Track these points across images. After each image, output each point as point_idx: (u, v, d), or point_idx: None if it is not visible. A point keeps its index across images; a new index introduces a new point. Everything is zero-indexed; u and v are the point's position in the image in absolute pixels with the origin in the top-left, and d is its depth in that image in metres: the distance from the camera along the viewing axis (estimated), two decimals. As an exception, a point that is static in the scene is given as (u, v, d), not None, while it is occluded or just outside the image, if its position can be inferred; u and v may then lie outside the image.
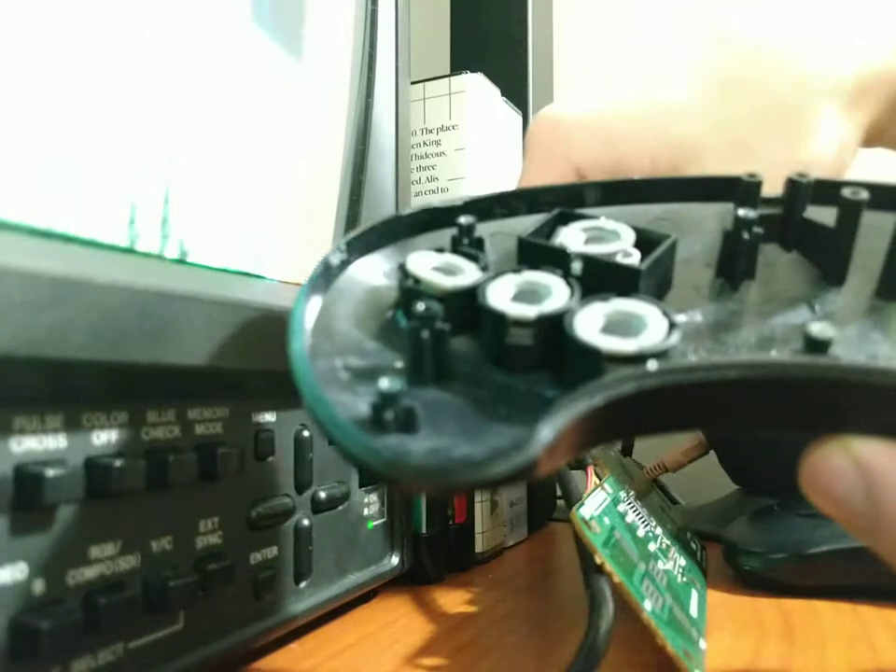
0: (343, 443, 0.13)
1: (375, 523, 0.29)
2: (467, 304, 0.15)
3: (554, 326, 0.14)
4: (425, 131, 0.38)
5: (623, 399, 0.13)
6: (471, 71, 0.38)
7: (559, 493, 0.47)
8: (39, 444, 0.16)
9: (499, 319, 0.14)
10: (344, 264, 0.17)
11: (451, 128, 0.37)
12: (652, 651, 0.24)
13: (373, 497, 0.29)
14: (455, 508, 0.35)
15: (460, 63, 0.46)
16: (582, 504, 0.22)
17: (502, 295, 0.15)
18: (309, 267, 0.16)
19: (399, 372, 0.14)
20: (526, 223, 0.18)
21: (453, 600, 0.30)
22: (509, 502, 0.40)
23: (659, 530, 0.27)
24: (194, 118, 0.21)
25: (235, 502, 0.21)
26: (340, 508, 0.26)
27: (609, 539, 0.22)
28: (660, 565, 0.24)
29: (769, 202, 0.17)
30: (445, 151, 0.37)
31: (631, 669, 0.23)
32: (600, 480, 0.26)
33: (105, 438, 0.17)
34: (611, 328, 0.14)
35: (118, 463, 0.17)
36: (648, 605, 0.21)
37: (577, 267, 0.15)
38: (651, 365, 0.13)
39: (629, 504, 0.26)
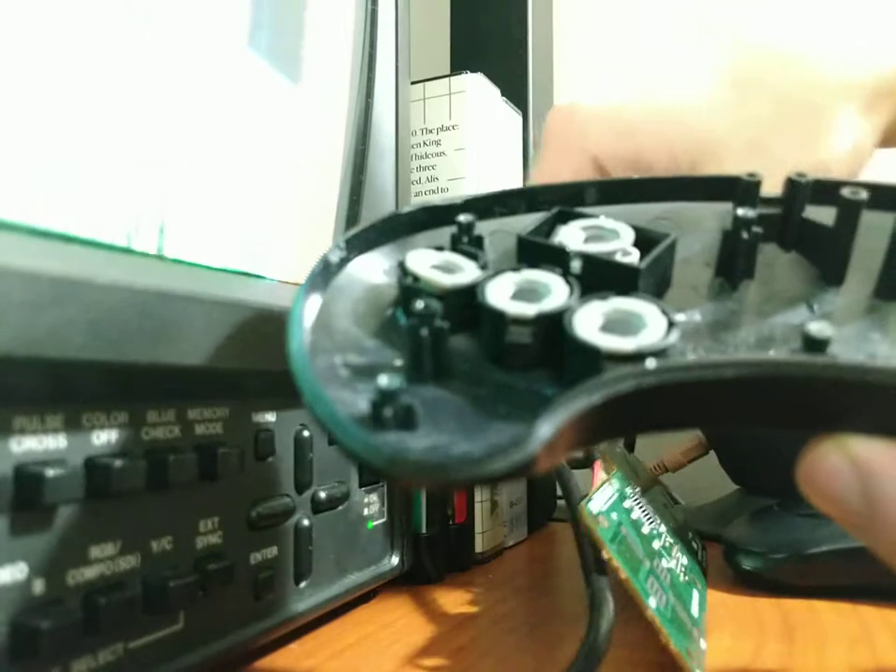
0: (342, 441, 0.13)
1: (375, 523, 0.29)
2: (466, 302, 0.15)
3: (554, 324, 0.14)
4: (425, 131, 0.38)
5: (621, 397, 0.13)
6: (471, 71, 0.38)
7: (559, 493, 0.47)
8: (39, 444, 0.16)
9: (498, 317, 0.14)
10: (344, 262, 0.17)
11: (451, 128, 0.37)
12: (653, 651, 0.24)
13: (373, 497, 0.29)
14: (455, 508, 0.35)
15: (460, 62, 0.46)
16: (591, 499, 0.22)
17: (501, 293, 0.15)
18: (309, 267, 0.16)
19: (399, 370, 0.14)
20: (526, 222, 0.18)
21: (453, 600, 0.30)
22: (509, 502, 0.40)
23: (663, 528, 0.27)
24: (196, 120, 0.21)
25: (235, 502, 0.21)
26: (340, 508, 0.26)
27: (617, 534, 0.22)
28: (663, 563, 0.24)
29: (768, 201, 0.17)
30: (445, 151, 0.37)
31: (632, 669, 0.23)
32: (607, 475, 0.26)
33: (105, 438, 0.17)
34: (610, 326, 0.14)
35: (118, 463, 0.17)
36: (653, 602, 0.21)
37: (576, 266, 0.15)
38: (650, 363, 0.13)
39: (635, 500, 0.26)
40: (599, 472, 0.26)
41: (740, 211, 0.16)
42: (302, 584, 0.24)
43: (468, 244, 0.17)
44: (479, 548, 0.36)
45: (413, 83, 0.35)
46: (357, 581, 0.27)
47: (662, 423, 0.15)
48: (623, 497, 0.25)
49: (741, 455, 0.44)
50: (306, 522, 0.24)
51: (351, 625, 0.27)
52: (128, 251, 0.19)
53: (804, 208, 0.17)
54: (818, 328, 0.13)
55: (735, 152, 0.22)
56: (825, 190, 0.17)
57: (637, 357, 0.13)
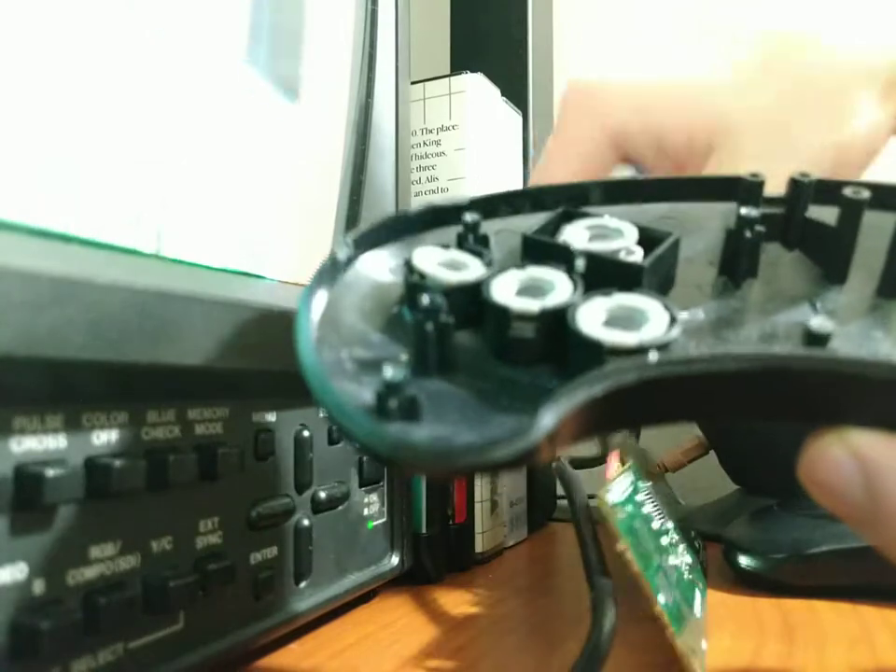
0: (348, 429, 0.13)
1: (375, 523, 0.29)
2: (471, 299, 0.15)
3: (557, 320, 0.14)
4: (425, 131, 0.38)
5: (623, 389, 0.13)
6: (471, 71, 0.38)
7: (559, 493, 0.47)
8: (39, 444, 0.16)
9: (503, 313, 0.15)
10: (351, 260, 0.17)
11: (451, 128, 0.37)
12: (656, 652, 0.24)
13: (373, 497, 0.29)
14: (455, 508, 0.35)
15: (460, 63, 0.46)
16: (609, 489, 0.22)
17: (506, 290, 0.15)
18: (309, 267, 0.16)
19: (404, 364, 0.14)
20: (531, 221, 0.18)
21: (453, 600, 0.30)
22: (509, 502, 0.40)
23: (670, 524, 0.27)
24: (196, 120, 0.21)
25: (235, 502, 0.21)
26: (340, 508, 0.26)
27: (631, 527, 0.22)
28: (670, 560, 0.24)
29: (771, 201, 0.18)
30: (445, 151, 0.37)
31: (634, 669, 0.23)
32: (622, 466, 0.26)
33: (105, 438, 0.17)
34: (613, 321, 0.14)
35: (118, 463, 0.17)
36: (662, 598, 0.21)
37: (580, 264, 0.16)
38: (652, 356, 0.13)
39: (647, 494, 0.26)
40: (615, 462, 0.26)
41: (743, 210, 0.16)
42: (302, 584, 0.24)
43: (473, 242, 0.17)
44: (479, 548, 0.36)
45: (413, 83, 0.35)
46: (357, 581, 0.27)
47: (664, 416, 0.15)
48: (636, 490, 0.25)
49: (741, 455, 0.44)
50: (306, 522, 0.24)
51: (351, 625, 0.27)
52: (128, 251, 0.19)
53: (806, 208, 0.17)
54: (818, 322, 0.14)
55: (753, 132, 0.22)
56: (828, 190, 0.17)
57: (640, 351, 0.13)
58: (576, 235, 0.17)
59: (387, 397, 0.13)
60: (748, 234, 0.16)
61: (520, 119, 0.44)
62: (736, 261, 0.17)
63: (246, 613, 0.22)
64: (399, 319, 0.16)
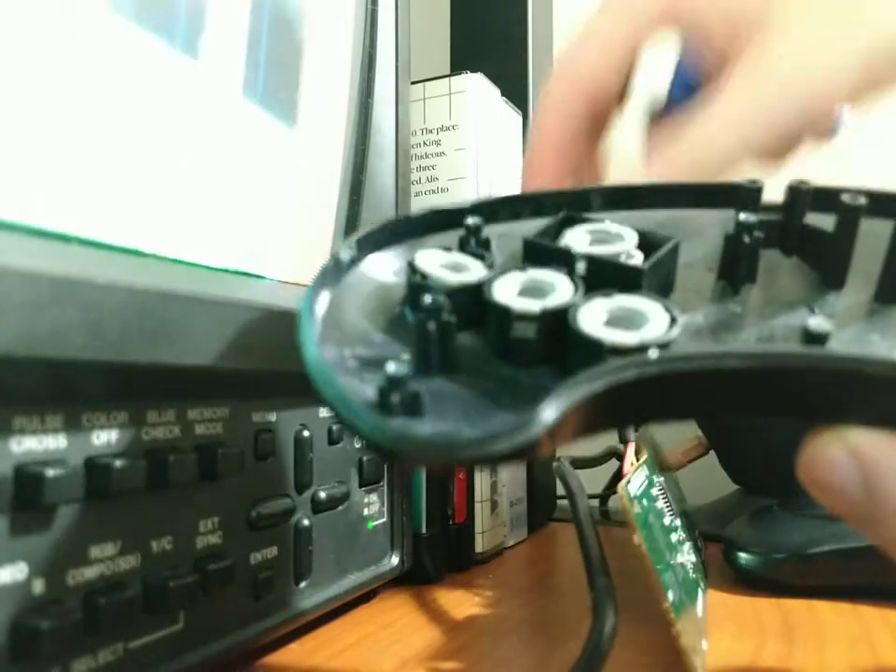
0: (351, 421, 0.13)
1: (375, 523, 0.29)
2: (472, 300, 0.15)
3: (558, 320, 0.14)
4: (425, 131, 0.38)
5: (623, 386, 0.13)
6: (471, 71, 0.38)
7: (559, 493, 0.47)
8: (39, 444, 0.16)
9: (504, 313, 0.15)
10: (354, 261, 0.17)
11: (451, 128, 0.37)
12: (656, 652, 0.24)
13: (373, 497, 0.29)
14: (455, 508, 0.35)
15: (460, 62, 0.46)
16: (629, 480, 0.22)
17: (507, 290, 0.15)
18: (309, 267, 0.16)
19: (407, 361, 0.14)
20: (532, 226, 0.18)
21: (453, 600, 0.30)
22: (509, 502, 0.40)
23: (678, 521, 0.27)
24: (197, 120, 0.21)
25: (235, 502, 0.21)
26: (340, 508, 0.26)
27: (646, 521, 0.22)
28: (678, 557, 0.24)
29: (770, 208, 0.18)
30: (445, 151, 0.37)
31: (634, 669, 0.23)
32: (637, 459, 0.26)
33: (105, 438, 0.17)
34: (614, 322, 0.14)
35: (118, 463, 0.17)
36: (671, 595, 0.21)
37: (581, 267, 0.16)
38: (653, 353, 0.13)
39: (660, 490, 0.26)
40: (631, 455, 0.26)
41: (742, 215, 0.17)
42: (302, 584, 0.24)
43: (475, 245, 0.17)
44: (479, 548, 0.36)
45: (413, 83, 0.35)
46: (357, 581, 0.27)
47: (664, 413, 0.15)
48: (651, 485, 0.25)
49: (741, 455, 0.44)
50: (306, 522, 0.24)
51: (351, 625, 0.27)
52: (128, 251, 0.19)
53: (804, 214, 0.17)
54: (817, 322, 0.14)
55: (788, 29, 0.21)
56: (825, 197, 0.17)
57: (640, 350, 0.14)
58: (577, 239, 0.17)
59: (390, 392, 0.13)
60: (746, 239, 0.16)
61: (520, 119, 0.44)
62: (735, 267, 0.17)
63: (246, 613, 0.22)
64: (402, 320, 0.16)
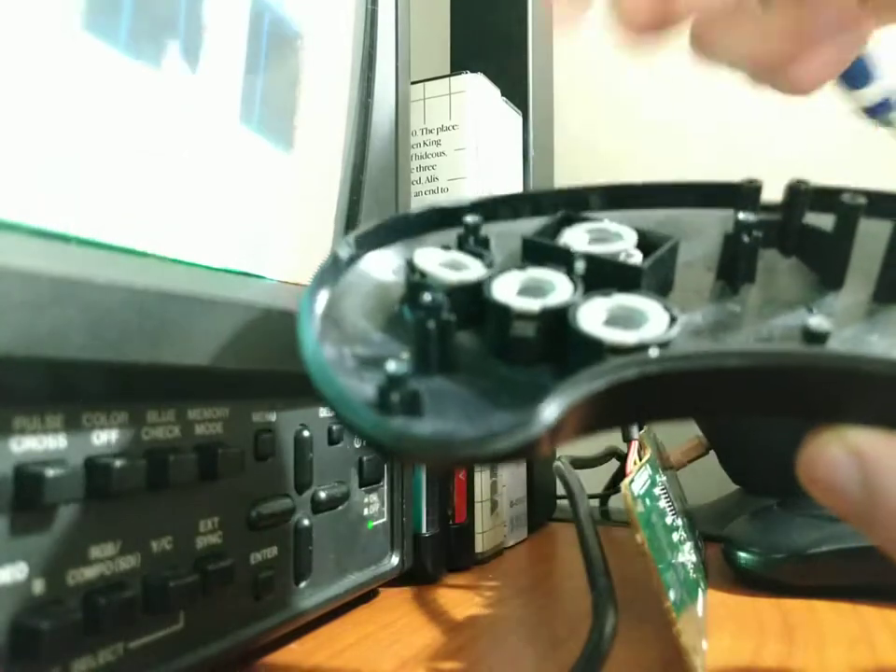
0: (351, 420, 0.13)
1: (375, 523, 0.29)
2: (471, 299, 0.15)
3: (558, 319, 0.14)
4: (425, 131, 0.38)
5: (624, 385, 0.13)
6: (471, 71, 0.38)
7: (559, 493, 0.47)
8: (39, 444, 0.16)
9: (504, 312, 0.15)
10: (353, 259, 0.17)
11: (451, 128, 0.37)
12: (656, 651, 0.24)
13: (373, 497, 0.29)
14: (455, 508, 0.35)
15: (460, 62, 0.46)
16: (633, 479, 0.22)
17: (507, 289, 0.15)
18: (309, 267, 0.16)
19: (406, 360, 0.14)
20: (531, 225, 0.18)
21: (453, 600, 0.30)
22: (509, 502, 0.40)
23: (680, 521, 0.27)
24: (197, 120, 0.21)
25: (235, 502, 0.21)
26: (340, 508, 0.26)
27: (648, 520, 0.22)
28: (679, 557, 0.24)
29: (769, 208, 0.18)
30: (445, 151, 0.37)
31: (634, 669, 0.23)
32: (640, 459, 0.26)
33: (105, 438, 0.17)
34: (613, 321, 0.14)
35: (118, 463, 0.17)
36: (672, 595, 0.21)
37: (580, 266, 0.16)
38: (653, 352, 0.13)
39: (662, 489, 0.26)
40: (634, 453, 0.26)
41: (741, 215, 0.17)
42: (302, 584, 0.24)
43: (474, 244, 0.17)
44: (479, 548, 0.36)
45: (413, 83, 0.35)
46: (357, 581, 0.27)
47: (664, 412, 0.15)
48: (653, 484, 0.25)
49: (741, 454, 0.44)
50: (306, 522, 0.24)
51: (351, 625, 0.27)
52: (128, 251, 0.19)
53: (803, 214, 0.17)
54: (817, 321, 0.14)
55: None
56: (824, 197, 0.17)
57: (640, 349, 0.14)
58: (576, 238, 0.17)
59: (389, 391, 0.13)
60: (745, 239, 0.16)
61: (520, 119, 0.44)
62: (734, 266, 0.17)
63: (246, 613, 0.22)
64: (400, 319, 0.16)
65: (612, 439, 0.48)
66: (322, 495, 0.25)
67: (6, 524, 0.15)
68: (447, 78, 0.38)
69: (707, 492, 0.46)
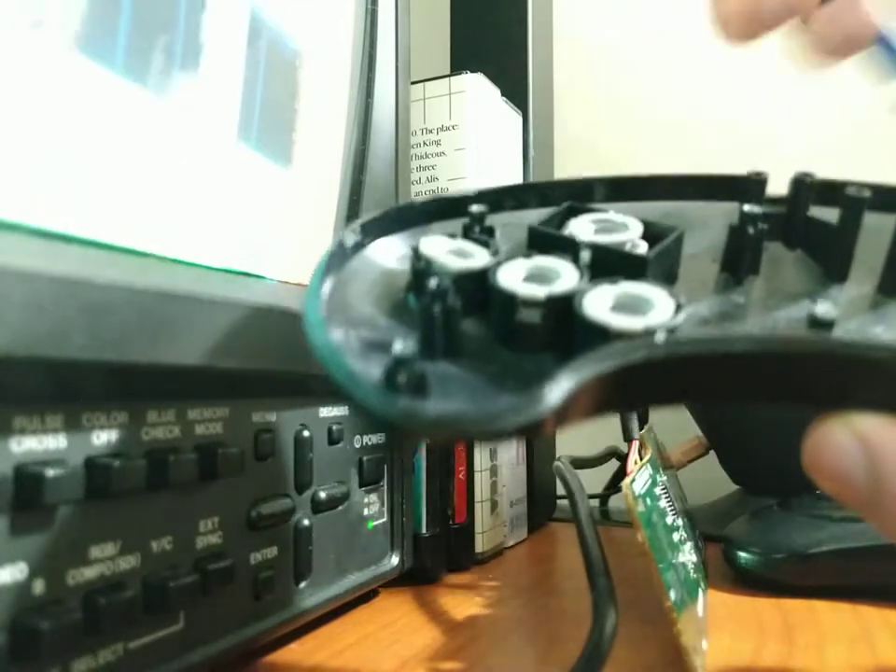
0: (358, 397, 0.13)
1: (375, 523, 0.29)
2: (477, 286, 0.15)
3: (564, 306, 0.14)
4: (425, 131, 0.38)
5: (631, 368, 0.13)
6: (471, 71, 0.38)
7: (559, 493, 0.47)
8: (39, 444, 0.16)
9: (509, 299, 0.15)
10: (358, 246, 0.17)
11: (451, 128, 0.37)
12: (656, 651, 0.24)
13: (373, 497, 0.29)
14: (455, 508, 0.35)
15: (460, 62, 0.46)
16: (634, 479, 0.22)
17: (513, 277, 0.15)
18: (309, 267, 0.16)
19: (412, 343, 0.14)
20: (536, 215, 0.18)
21: (453, 600, 0.30)
22: (509, 502, 0.40)
23: (680, 521, 0.27)
24: (198, 120, 0.21)
25: (235, 502, 0.21)
26: (340, 508, 0.26)
27: (649, 520, 0.22)
28: (680, 556, 0.25)
29: (774, 201, 0.18)
30: (445, 151, 0.37)
31: (634, 669, 0.23)
32: (641, 458, 0.26)
33: (105, 438, 0.17)
34: (619, 308, 0.14)
35: (118, 463, 0.17)
36: (673, 595, 0.21)
37: (586, 256, 0.16)
38: (660, 335, 0.13)
39: (662, 489, 0.26)
40: (635, 453, 0.26)
41: (747, 206, 0.17)
42: (302, 584, 0.24)
43: (479, 233, 0.17)
44: (479, 548, 0.36)
45: (413, 83, 0.35)
46: (357, 581, 0.27)
47: (670, 397, 0.15)
48: (654, 484, 0.25)
49: (741, 454, 0.44)
50: (306, 522, 0.24)
51: (351, 625, 0.27)
52: (128, 251, 0.19)
53: (808, 207, 0.17)
54: (824, 308, 0.14)
55: None
56: (829, 191, 0.17)
57: (647, 335, 0.14)
58: (582, 228, 0.17)
59: (396, 372, 0.13)
60: (750, 230, 0.17)
61: (520, 119, 0.44)
62: (739, 258, 0.17)
63: (246, 613, 0.22)
64: (405, 306, 0.16)
65: (612, 439, 0.48)
66: (322, 495, 0.25)
67: (6, 524, 0.15)
68: (447, 78, 0.38)
69: (707, 492, 0.46)
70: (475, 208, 0.17)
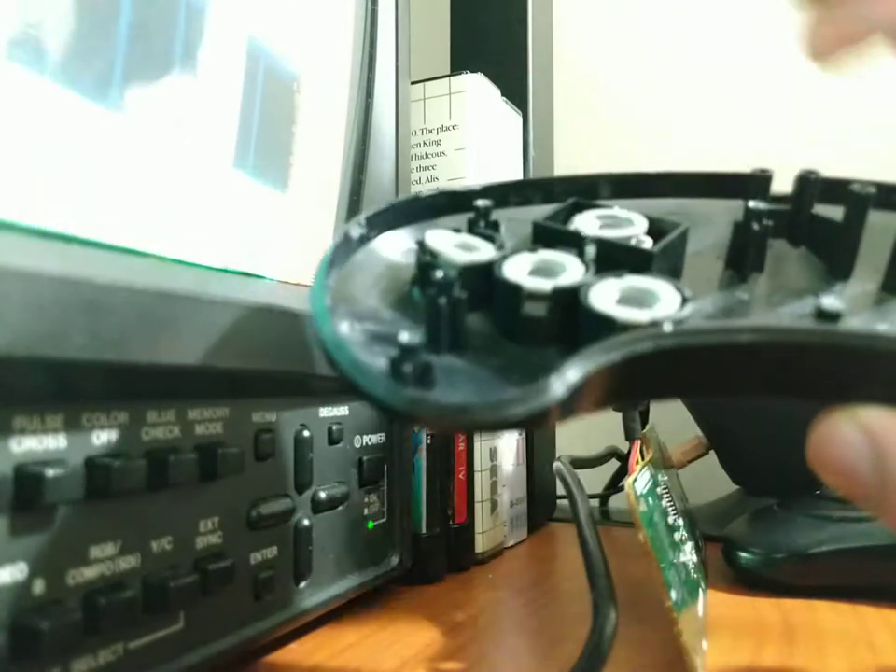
0: (365, 385, 0.13)
1: (375, 523, 0.29)
2: (482, 280, 0.15)
3: (569, 299, 0.14)
4: (425, 131, 0.38)
5: (637, 358, 0.13)
6: (471, 71, 0.38)
7: (559, 493, 0.47)
8: (39, 444, 0.16)
9: (515, 291, 0.15)
10: (364, 239, 0.18)
11: (451, 128, 0.37)
12: (656, 651, 0.24)
13: (373, 497, 0.29)
14: (455, 508, 0.35)
15: (460, 63, 0.46)
16: (636, 478, 0.22)
17: (518, 270, 0.15)
18: (309, 267, 0.16)
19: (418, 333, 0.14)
20: (541, 211, 0.18)
21: (453, 600, 0.30)
22: (509, 502, 0.40)
23: (681, 521, 0.27)
24: (199, 118, 0.21)
25: (235, 502, 0.21)
26: (340, 508, 0.26)
27: (651, 519, 0.22)
28: (680, 556, 0.25)
29: (778, 199, 0.18)
30: (445, 151, 0.37)
31: (634, 669, 0.23)
32: (643, 458, 0.26)
33: (105, 438, 0.17)
34: (625, 301, 0.14)
35: (118, 463, 0.17)
36: (674, 594, 0.21)
37: (591, 250, 0.16)
38: (667, 326, 0.13)
39: (664, 489, 0.26)
40: (637, 453, 0.26)
41: (751, 203, 0.17)
42: (302, 584, 0.24)
43: (485, 227, 0.17)
44: (479, 548, 0.36)
45: (413, 83, 0.35)
46: (357, 581, 0.27)
47: (675, 389, 0.15)
48: (655, 484, 0.25)
49: (741, 454, 0.44)
50: (306, 522, 0.24)
51: (351, 625, 0.27)
52: (128, 251, 0.19)
53: (813, 205, 0.17)
54: (830, 301, 0.14)
55: None
56: (834, 188, 0.17)
57: (653, 326, 0.14)
58: (587, 223, 0.17)
59: (402, 362, 0.13)
60: (755, 227, 0.17)
61: (520, 119, 0.44)
62: (743, 255, 0.17)
63: (246, 613, 0.22)
64: (410, 300, 0.16)
65: (613, 439, 0.48)
66: (322, 495, 0.25)
67: (6, 524, 0.15)
68: (447, 78, 0.38)
69: (707, 492, 0.46)
70: (480, 203, 0.18)
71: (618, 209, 0.18)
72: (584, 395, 0.13)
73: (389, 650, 0.25)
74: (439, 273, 0.14)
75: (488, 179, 0.38)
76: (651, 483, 0.24)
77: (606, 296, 0.14)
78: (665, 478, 0.27)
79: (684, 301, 0.14)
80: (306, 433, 0.25)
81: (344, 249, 0.17)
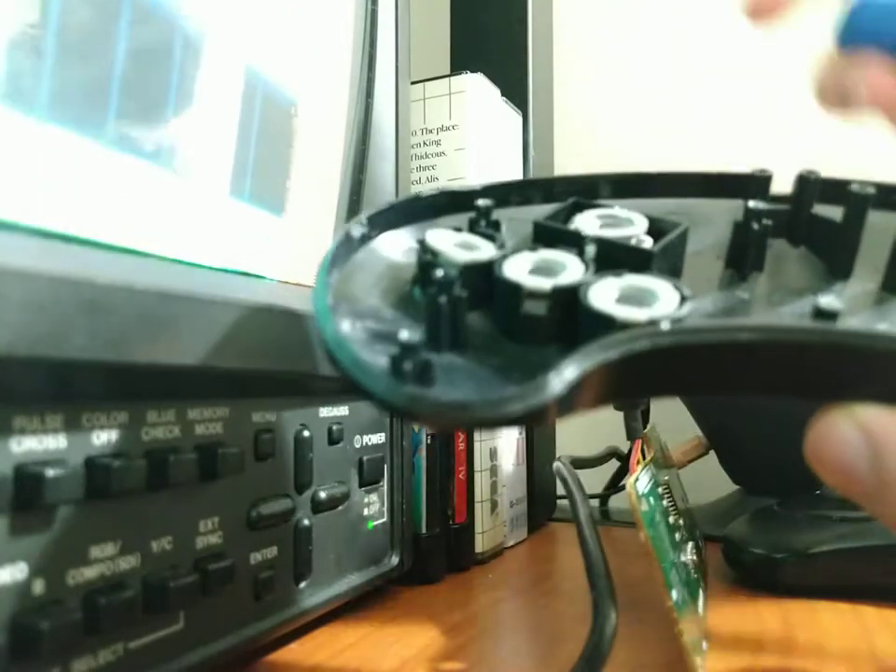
0: (365, 382, 0.13)
1: (375, 523, 0.29)
2: (483, 279, 0.16)
3: (569, 298, 0.14)
4: (425, 131, 0.38)
5: (636, 357, 0.13)
6: (471, 71, 0.38)
7: (559, 493, 0.47)
8: (39, 444, 0.16)
9: (515, 290, 0.15)
10: (365, 238, 0.18)
11: (451, 128, 0.37)
12: (656, 651, 0.24)
13: (373, 497, 0.29)
14: (455, 508, 0.35)
15: (460, 63, 0.46)
16: (638, 478, 0.22)
17: (518, 269, 0.15)
18: (309, 267, 0.16)
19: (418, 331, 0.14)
20: (542, 211, 0.18)
21: (453, 600, 0.30)
22: (509, 502, 0.40)
23: (682, 521, 0.27)
24: (199, 119, 0.21)
25: (235, 502, 0.21)
26: (340, 508, 0.26)
27: (653, 519, 0.22)
28: (681, 556, 0.25)
29: (778, 199, 0.18)
30: (445, 151, 0.37)
31: (634, 669, 0.23)
32: (644, 458, 0.26)
33: (105, 438, 0.17)
34: (625, 300, 0.14)
35: (118, 463, 0.17)
36: (675, 594, 0.21)
37: (591, 249, 0.16)
38: (665, 324, 0.13)
39: (665, 489, 0.26)
40: (638, 452, 0.26)
41: (751, 203, 0.17)
42: (302, 584, 0.24)
43: (486, 227, 0.17)
44: (479, 548, 0.36)
45: (413, 83, 0.35)
46: (357, 581, 0.27)
47: (673, 388, 0.15)
48: (656, 484, 0.25)
49: (741, 454, 0.44)
50: (306, 522, 0.24)
51: (351, 625, 0.27)
52: (128, 251, 0.19)
53: (812, 205, 0.17)
54: (828, 300, 0.14)
55: None
56: (833, 188, 0.17)
57: (651, 325, 0.14)
58: (587, 223, 0.17)
59: (402, 360, 0.13)
60: (755, 226, 0.17)
61: (520, 119, 0.44)
62: (743, 254, 0.17)
63: (246, 613, 0.22)
64: (411, 299, 0.16)
65: (613, 438, 0.48)
66: (322, 495, 0.25)
67: (6, 524, 0.15)
68: (447, 78, 0.38)
69: (707, 492, 0.46)
70: (481, 202, 0.18)
71: (618, 209, 0.18)
72: (583, 392, 0.13)
73: (389, 650, 0.25)
74: (439, 272, 0.14)
75: (488, 179, 0.38)
76: (652, 482, 0.24)
77: (605, 295, 0.14)
78: (666, 478, 0.27)
79: (683, 300, 0.14)
80: (306, 433, 0.25)
81: (346, 248, 0.17)
